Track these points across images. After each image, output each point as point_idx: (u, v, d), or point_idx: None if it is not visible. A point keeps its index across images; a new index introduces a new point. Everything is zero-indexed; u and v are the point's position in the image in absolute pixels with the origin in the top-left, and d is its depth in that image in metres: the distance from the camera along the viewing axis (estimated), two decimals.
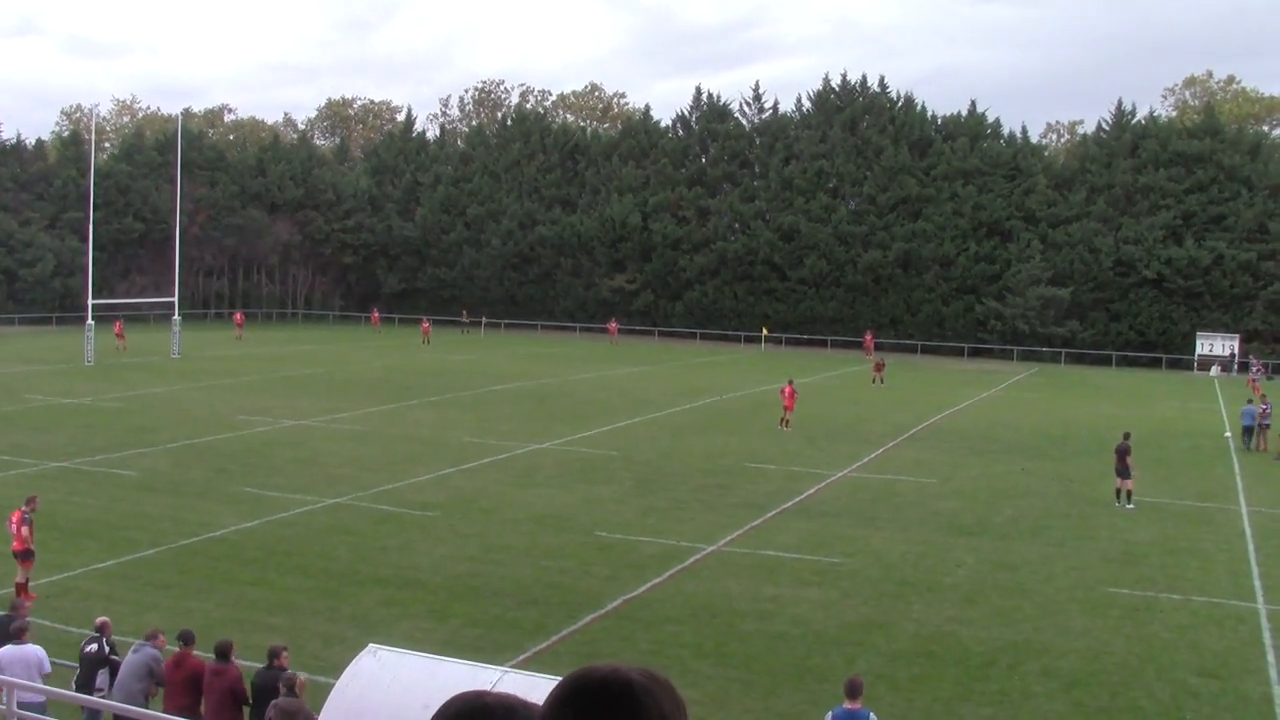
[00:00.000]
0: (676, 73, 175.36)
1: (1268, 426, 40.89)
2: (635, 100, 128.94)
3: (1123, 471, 29.61)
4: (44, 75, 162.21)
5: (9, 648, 13.36)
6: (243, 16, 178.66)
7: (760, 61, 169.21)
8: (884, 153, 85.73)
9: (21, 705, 11.86)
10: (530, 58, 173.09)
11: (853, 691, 12.73)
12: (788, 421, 41.20)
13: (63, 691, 13.03)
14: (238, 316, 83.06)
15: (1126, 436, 30.63)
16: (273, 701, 12.65)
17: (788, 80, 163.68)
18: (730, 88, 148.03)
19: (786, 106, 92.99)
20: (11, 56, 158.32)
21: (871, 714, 12.64)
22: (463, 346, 75.56)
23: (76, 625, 15.18)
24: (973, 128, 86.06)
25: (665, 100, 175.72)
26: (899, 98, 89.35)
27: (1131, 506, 29.10)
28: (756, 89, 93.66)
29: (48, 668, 13.55)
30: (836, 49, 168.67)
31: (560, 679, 2.06)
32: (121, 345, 63.61)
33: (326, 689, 12.19)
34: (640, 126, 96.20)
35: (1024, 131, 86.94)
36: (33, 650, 13.43)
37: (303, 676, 12.99)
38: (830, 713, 12.75)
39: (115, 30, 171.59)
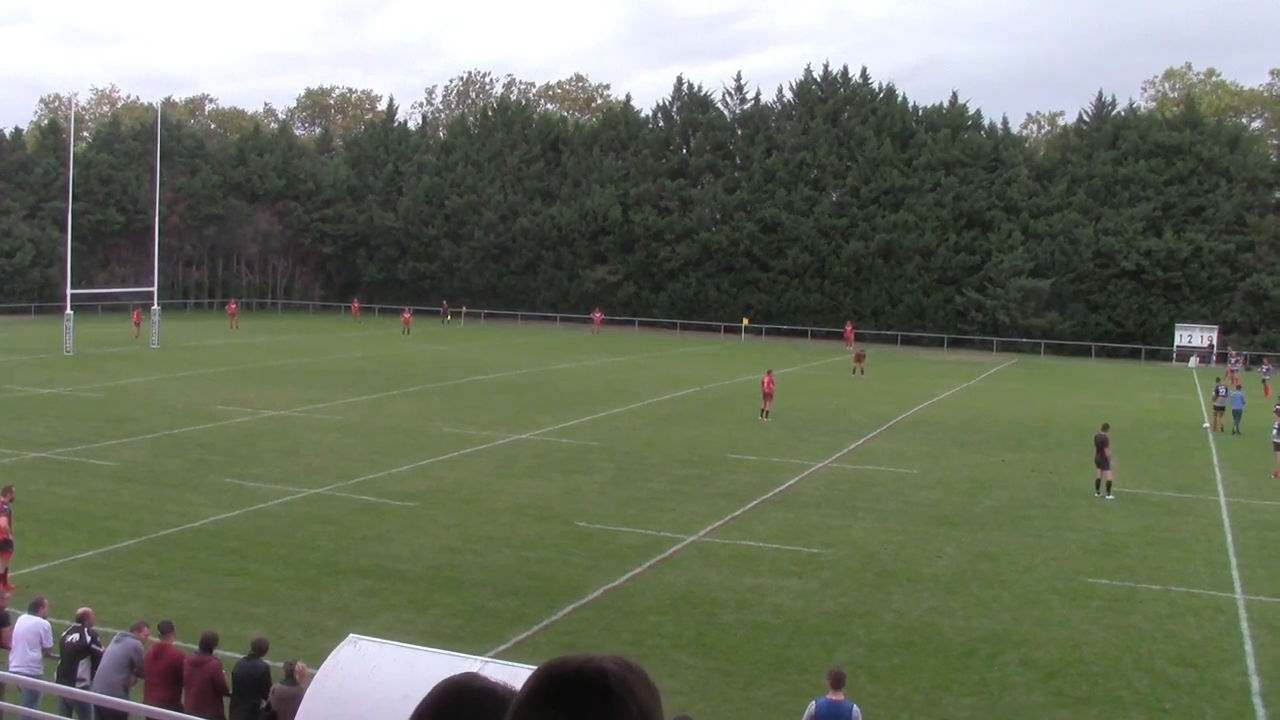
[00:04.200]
0: (668, 63, 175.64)
1: (1222, 409, 43.09)
2: (621, 91, 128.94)
3: (1101, 462, 29.73)
4: (33, 65, 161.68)
5: (25, 615, 14.61)
6: (236, 6, 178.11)
7: (751, 52, 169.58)
8: (866, 144, 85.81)
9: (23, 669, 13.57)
10: (521, 49, 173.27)
11: (837, 682, 12.68)
12: (768, 412, 41.27)
13: (43, 682, 13.01)
14: (231, 307, 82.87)
15: (1105, 427, 30.77)
16: (272, 687, 12.78)
17: (779, 71, 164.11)
18: (722, 78, 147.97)
19: (772, 97, 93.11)
20: (1, 46, 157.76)
21: (855, 706, 12.62)
22: (443, 337, 75.45)
23: (56, 615, 15.11)
24: (954, 119, 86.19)
25: (657, 91, 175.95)
26: (881, 89, 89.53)
27: (1111, 497, 29.23)
28: (738, 79, 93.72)
29: (48, 642, 14.37)
30: (827, 40, 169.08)
31: (534, 669, 2.05)
32: (138, 333, 63.84)
33: (307, 679, 12.20)
34: (621, 117, 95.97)
35: (1004, 123, 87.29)
36: (41, 623, 14.42)
37: (301, 664, 13.02)
38: (814, 703, 12.66)
39: (107, 20, 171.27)
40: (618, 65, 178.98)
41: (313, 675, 11.75)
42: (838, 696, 12.54)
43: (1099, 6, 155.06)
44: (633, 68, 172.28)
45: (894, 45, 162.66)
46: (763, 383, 42.19)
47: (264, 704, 12.89)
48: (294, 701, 12.43)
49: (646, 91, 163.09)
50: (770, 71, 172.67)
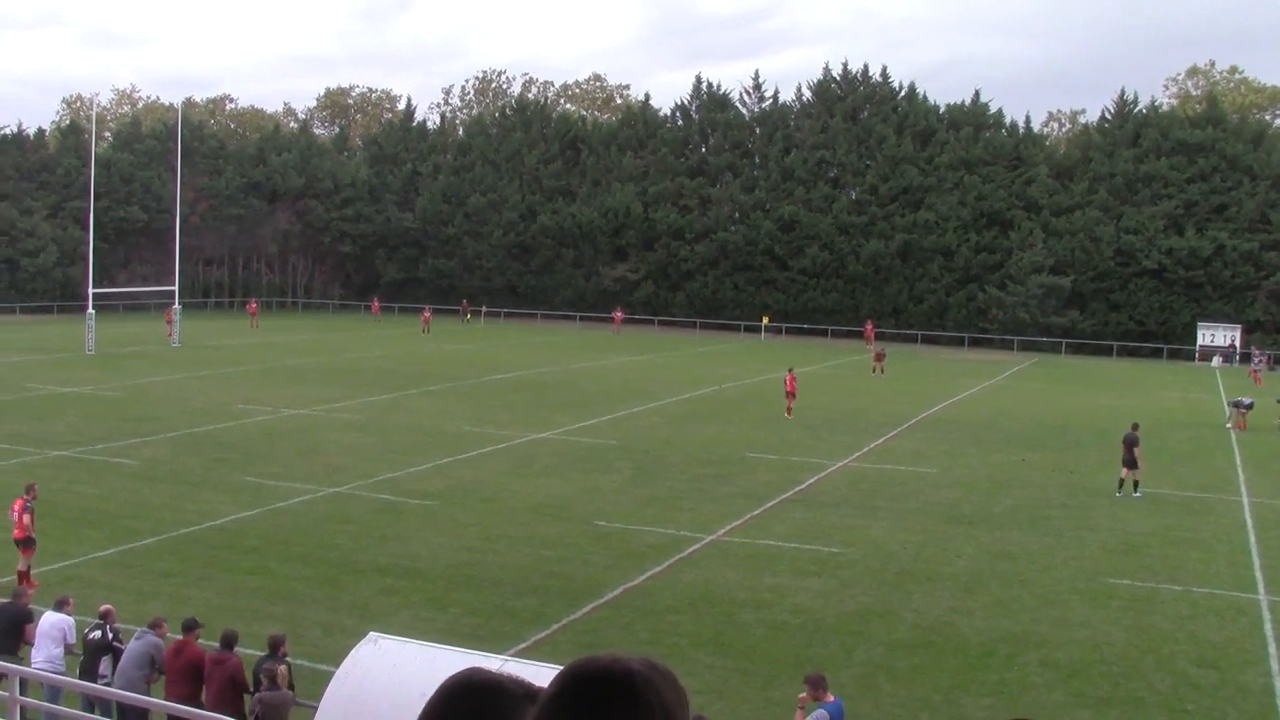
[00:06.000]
0: (689, 64, 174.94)
1: (1250, 407, 43.01)
2: (640, 91, 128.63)
3: (1130, 461, 29.59)
4: (61, 66, 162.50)
5: (49, 612, 14.74)
6: (263, 8, 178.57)
7: (774, 52, 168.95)
8: (886, 142, 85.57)
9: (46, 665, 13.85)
10: (543, 49, 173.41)
11: (826, 684, 12.64)
12: (790, 410, 41.22)
13: (65, 678, 13.06)
14: (251, 306, 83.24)
15: (1135, 427, 30.66)
16: (255, 695, 12.76)
17: (801, 71, 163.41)
18: (742, 78, 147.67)
19: (790, 97, 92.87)
20: (31, 48, 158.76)
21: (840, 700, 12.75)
22: (463, 336, 75.56)
23: (78, 613, 15.18)
24: (975, 117, 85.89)
25: (677, 91, 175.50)
26: (901, 87, 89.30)
27: (1138, 495, 29.13)
28: (756, 78, 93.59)
29: (71, 638, 14.54)
30: (850, 39, 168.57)
31: (560, 668, 2.04)
32: (170, 331, 63.83)
33: (326, 677, 12.20)
34: (639, 116, 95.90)
35: (1026, 121, 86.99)
36: (64, 619, 14.59)
37: (282, 668, 13.05)
38: (820, 709, 12.38)
39: (136, 23, 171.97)
40: (638, 65, 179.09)
41: (321, 673, 11.74)
42: (830, 697, 12.53)
43: (1121, 4, 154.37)
44: (653, 68, 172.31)
45: (917, 45, 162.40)
46: (785, 381, 42.12)
47: (251, 713, 12.85)
48: (279, 707, 12.48)
49: (667, 92, 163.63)
50: (793, 71, 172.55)
